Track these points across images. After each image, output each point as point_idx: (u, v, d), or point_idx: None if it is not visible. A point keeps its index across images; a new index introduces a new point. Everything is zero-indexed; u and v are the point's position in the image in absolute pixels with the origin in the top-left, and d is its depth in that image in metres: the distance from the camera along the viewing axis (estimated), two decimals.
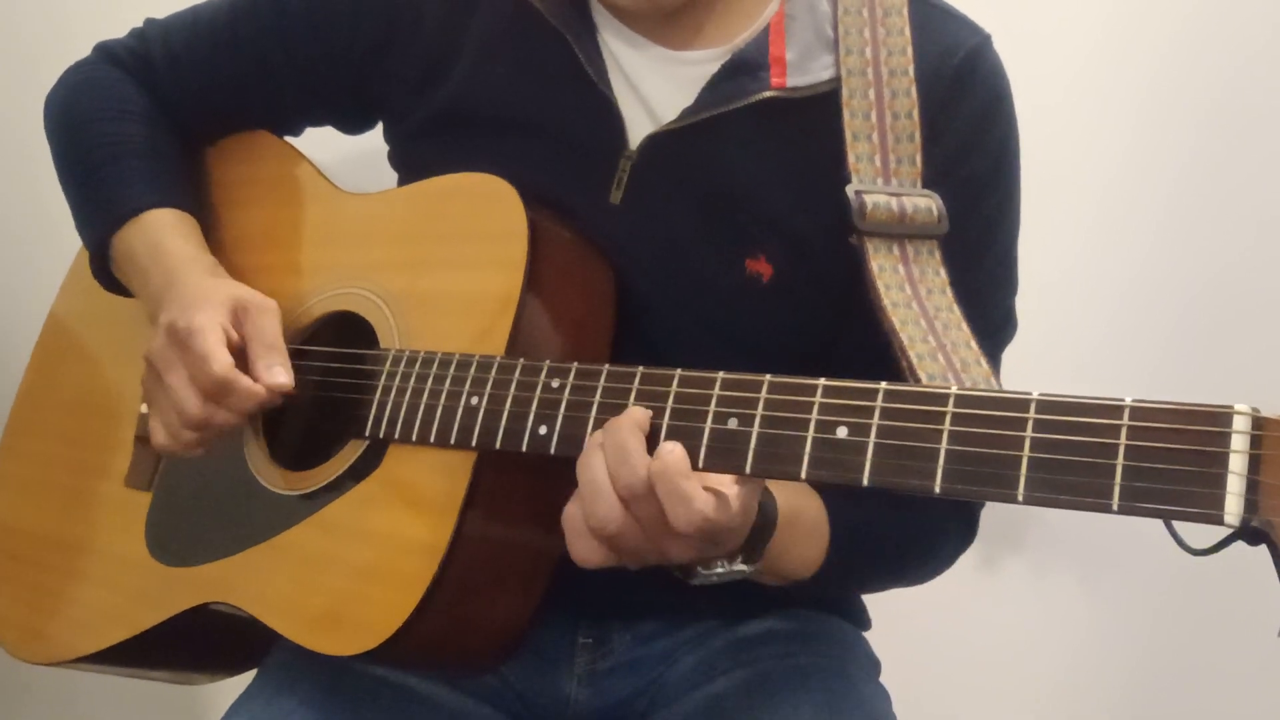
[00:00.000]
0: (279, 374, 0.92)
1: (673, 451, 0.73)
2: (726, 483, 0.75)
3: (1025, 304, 1.00)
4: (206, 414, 0.91)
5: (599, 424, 0.78)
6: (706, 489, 0.74)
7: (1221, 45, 1.34)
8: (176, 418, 0.93)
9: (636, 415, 0.76)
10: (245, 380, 0.91)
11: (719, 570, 0.82)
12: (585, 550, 0.77)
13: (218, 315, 0.93)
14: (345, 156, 1.13)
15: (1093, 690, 1.45)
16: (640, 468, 0.74)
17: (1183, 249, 1.37)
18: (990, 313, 0.96)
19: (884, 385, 0.70)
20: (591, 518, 0.76)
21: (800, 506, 0.88)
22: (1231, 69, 1.35)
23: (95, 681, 1.12)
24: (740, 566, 0.82)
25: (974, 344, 0.86)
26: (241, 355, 0.93)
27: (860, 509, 0.91)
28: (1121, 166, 1.38)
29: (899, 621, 1.13)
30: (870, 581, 1.04)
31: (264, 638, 0.92)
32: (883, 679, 1.04)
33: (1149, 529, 0.67)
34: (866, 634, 1.09)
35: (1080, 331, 1.39)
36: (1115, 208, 1.39)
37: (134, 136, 1.06)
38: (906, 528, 0.95)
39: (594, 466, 0.76)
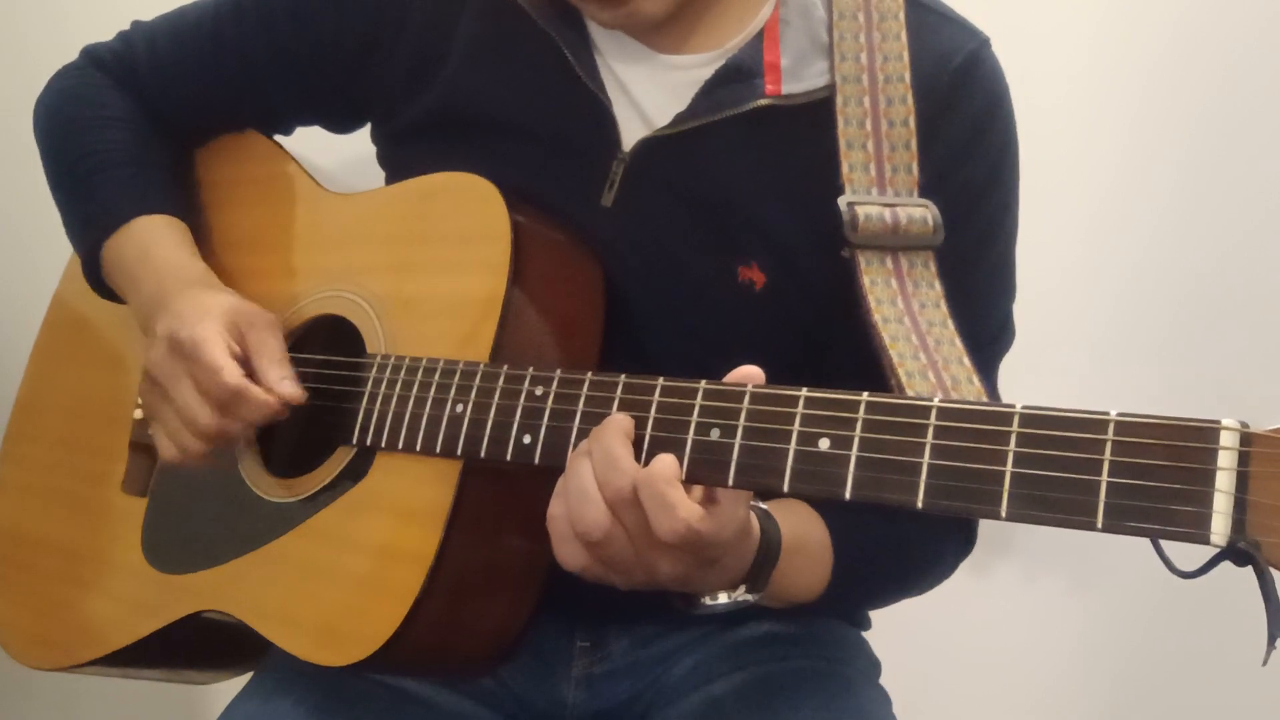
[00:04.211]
0: (288, 386, 0.92)
1: (662, 459, 0.73)
2: (714, 495, 0.74)
3: (1021, 307, 0.99)
4: (219, 425, 0.91)
5: (583, 434, 0.77)
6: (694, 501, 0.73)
7: (1217, 46, 1.32)
8: (186, 429, 0.93)
9: (622, 422, 0.75)
10: (257, 390, 0.91)
11: (723, 601, 0.81)
12: (571, 554, 0.77)
13: (218, 326, 0.93)
14: (337, 157, 1.12)
15: (1086, 691, 1.44)
16: (627, 474, 0.73)
17: (1179, 250, 1.36)
18: (986, 319, 0.95)
19: (866, 396, 0.68)
20: (578, 523, 0.75)
21: (804, 534, 0.87)
22: (1227, 70, 1.33)
23: (95, 682, 1.13)
24: (745, 596, 0.81)
25: (967, 360, 0.84)
26: (244, 367, 0.92)
27: (863, 533, 0.90)
28: (1118, 168, 1.36)
29: (899, 623, 1.11)
30: (872, 600, 1.03)
31: (260, 642, 0.92)
32: (883, 680, 1.03)
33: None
34: (866, 634, 1.08)
35: (1077, 333, 1.37)
36: (1112, 210, 1.37)
37: (120, 144, 1.06)
38: (908, 546, 0.94)
39: (581, 473, 0.75)
